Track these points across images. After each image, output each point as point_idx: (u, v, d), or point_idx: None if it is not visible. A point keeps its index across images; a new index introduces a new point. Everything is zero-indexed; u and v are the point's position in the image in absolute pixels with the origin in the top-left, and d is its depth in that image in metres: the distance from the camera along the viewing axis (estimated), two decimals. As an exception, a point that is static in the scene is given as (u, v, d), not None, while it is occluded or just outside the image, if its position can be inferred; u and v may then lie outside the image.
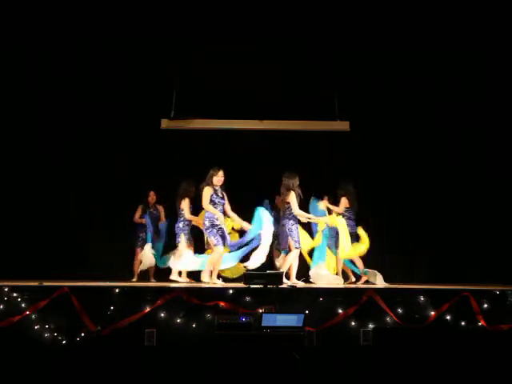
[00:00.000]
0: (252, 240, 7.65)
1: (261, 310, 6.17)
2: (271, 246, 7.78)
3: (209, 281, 7.44)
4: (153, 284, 8.02)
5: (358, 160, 9.20)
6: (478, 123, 9.14)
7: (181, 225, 8.09)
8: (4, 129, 8.91)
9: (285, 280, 7.32)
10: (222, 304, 6.27)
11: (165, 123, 8.71)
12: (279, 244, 8.04)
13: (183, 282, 7.82)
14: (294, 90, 8.99)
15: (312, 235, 8.15)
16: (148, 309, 6.26)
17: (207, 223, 7.55)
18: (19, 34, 8.76)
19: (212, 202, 7.57)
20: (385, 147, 9.26)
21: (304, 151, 9.16)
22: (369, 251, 9.05)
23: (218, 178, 7.61)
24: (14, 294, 6.29)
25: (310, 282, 7.81)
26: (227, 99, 8.92)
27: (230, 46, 8.83)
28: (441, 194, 9.21)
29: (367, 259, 9.02)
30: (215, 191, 7.61)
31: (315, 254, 8.10)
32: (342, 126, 8.77)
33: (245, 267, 7.53)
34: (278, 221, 7.98)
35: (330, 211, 8.22)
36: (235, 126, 8.78)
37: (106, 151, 9.10)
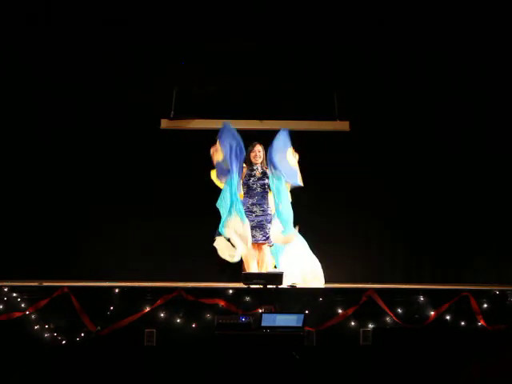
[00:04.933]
0: None
1: (260, 310, 6.18)
2: None
3: None
4: (153, 284, 8.01)
5: (358, 160, 9.20)
6: (478, 123, 9.14)
7: None
8: (3, 129, 8.92)
9: None
10: (221, 304, 6.28)
11: (164, 123, 8.71)
12: None
13: None
14: (294, 90, 8.99)
15: None
16: (148, 309, 6.26)
17: None
18: (20, 34, 8.78)
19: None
20: (385, 147, 9.25)
21: (304, 151, 9.15)
22: (369, 251, 9.10)
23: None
24: (14, 294, 6.29)
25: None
26: (227, 99, 8.92)
27: (230, 45, 8.83)
28: (441, 193, 9.20)
29: (367, 259, 9.05)
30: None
31: None
32: (342, 126, 8.77)
33: None
34: None
35: None
36: (235, 126, 8.77)
37: (105, 151, 9.09)
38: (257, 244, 7.37)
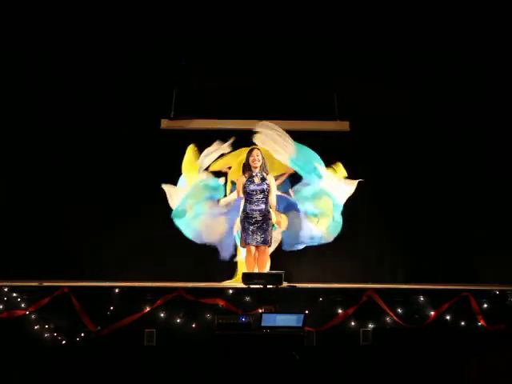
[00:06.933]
0: None
1: (260, 310, 6.18)
2: None
3: None
4: (153, 284, 8.02)
5: (358, 160, 9.19)
6: (478, 123, 9.13)
7: None
8: (3, 129, 8.91)
9: None
10: (221, 304, 6.28)
11: (165, 123, 8.71)
12: None
13: None
14: (293, 90, 8.99)
15: None
16: (148, 309, 6.26)
17: None
18: (20, 33, 8.78)
19: None
20: (385, 147, 9.25)
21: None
22: (369, 251, 9.09)
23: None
24: (14, 294, 6.29)
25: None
26: (227, 99, 8.93)
27: (230, 45, 8.84)
28: (442, 193, 9.20)
29: (368, 259, 9.04)
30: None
31: None
32: (342, 126, 8.77)
33: None
34: None
35: None
36: (235, 126, 8.78)
37: (105, 151, 9.08)
38: (257, 246, 7.43)
